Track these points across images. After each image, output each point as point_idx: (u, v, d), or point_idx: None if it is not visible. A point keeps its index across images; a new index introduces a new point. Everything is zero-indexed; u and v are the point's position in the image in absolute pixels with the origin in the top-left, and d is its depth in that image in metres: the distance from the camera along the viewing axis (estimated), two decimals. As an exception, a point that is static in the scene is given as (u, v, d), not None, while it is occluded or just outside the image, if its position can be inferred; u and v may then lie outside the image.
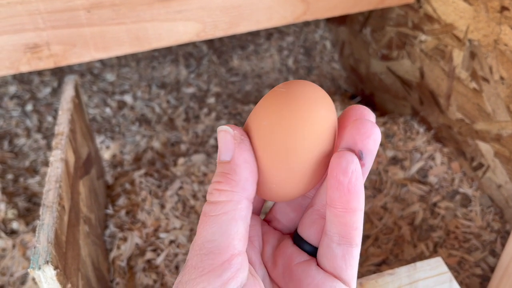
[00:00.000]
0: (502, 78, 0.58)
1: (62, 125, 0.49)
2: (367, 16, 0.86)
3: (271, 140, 0.23)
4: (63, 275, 0.36)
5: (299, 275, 0.25)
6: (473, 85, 0.63)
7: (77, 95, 0.57)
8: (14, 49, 0.53)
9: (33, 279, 0.58)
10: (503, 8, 0.55)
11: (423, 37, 0.71)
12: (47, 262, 0.34)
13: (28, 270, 0.34)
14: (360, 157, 0.22)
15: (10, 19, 0.52)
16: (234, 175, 0.22)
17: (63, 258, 0.37)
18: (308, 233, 0.26)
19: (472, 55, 0.62)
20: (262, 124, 0.23)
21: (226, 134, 0.23)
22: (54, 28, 0.54)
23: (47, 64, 0.56)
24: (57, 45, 0.55)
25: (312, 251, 0.26)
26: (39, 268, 0.34)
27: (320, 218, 0.26)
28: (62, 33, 0.54)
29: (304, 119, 0.23)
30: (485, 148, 0.63)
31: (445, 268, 0.43)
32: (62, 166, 0.43)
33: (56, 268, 0.34)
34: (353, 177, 0.22)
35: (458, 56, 0.64)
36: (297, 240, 0.27)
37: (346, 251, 0.24)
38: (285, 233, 0.28)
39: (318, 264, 0.25)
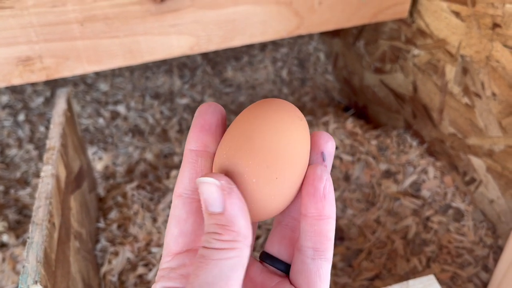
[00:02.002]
0: (494, 94, 0.58)
1: (54, 139, 0.49)
2: (360, 29, 0.86)
3: (262, 162, 0.23)
4: (52, 294, 0.35)
5: None
6: (465, 100, 0.63)
7: (69, 108, 0.56)
8: (6, 62, 0.53)
9: (23, 294, 0.57)
10: (495, 25, 0.55)
11: (416, 51, 0.71)
12: (35, 282, 0.33)
13: (16, 290, 0.33)
14: (323, 158, 0.25)
15: (3, 32, 0.51)
16: (233, 226, 0.22)
17: (52, 277, 0.37)
18: (278, 248, 0.27)
19: (464, 71, 0.62)
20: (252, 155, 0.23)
21: (211, 186, 0.22)
22: (47, 41, 0.53)
23: (39, 77, 0.55)
24: (49, 58, 0.55)
25: (285, 269, 0.26)
26: (28, 289, 0.33)
27: (291, 231, 0.27)
28: (55, 46, 0.54)
29: (291, 142, 0.24)
30: (478, 163, 0.64)
31: (437, 286, 0.43)
32: (53, 182, 0.43)
33: (45, 287, 0.34)
34: (327, 184, 0.24)
35: (451, 71, 0.65)
36: (267, 259, 0.27)
37: (320, 265, 0.25)
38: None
39: (291, 283, 0.26)
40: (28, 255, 0.35)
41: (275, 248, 0.27)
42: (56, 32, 0.53)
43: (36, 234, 0.37)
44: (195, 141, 0.25)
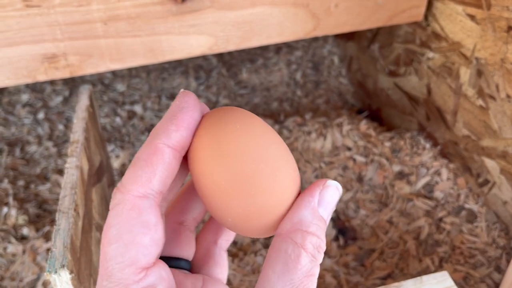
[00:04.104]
0: (508, 96, 0.58)
1: (77, 133, 0.50)
2: (375, 33, 0.87)
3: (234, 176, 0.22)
4: (77, 279, 0.37)
5: None
6: (480, 102, 0.64)
7: (91, 104, 0.58)
8: (32, 58, 0.55)
9: (43, 284, 0.59)
10: (510, 28, 0.56)
11: (430, 54, 0.72)
12: (63, 266, 0.35)
13: (45, 273, 0.35)
14: None
15: (30, 30, 0.53)
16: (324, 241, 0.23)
17: (77, 263, 0.38)
18: (184, 250, 0.27)
19: (479, 73, 0.63)
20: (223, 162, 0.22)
21: (337, 194, 0.23)
22: (72, 39, 0.55)
23: (63, 73, 0.57)
24: (74, 56, 0.56)
25: (189, 267, 0.27)
26: (55, 272, 0.34)
27: (191, 233, 0.27)
28: (79, 44, 0.56)
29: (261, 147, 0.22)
30: (491, 164, 0.64)
31: (451, 282, 0.43)
32: (77, 173, 0.44)
33: (71, 272, 0.35)
34: None
35: (465, 73, 0.65)
36: (171, 262, 0.26)
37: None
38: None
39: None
40: (55, 241, 0.37)
41: (182, 251, 0.27)
42: (81, 31, 0.55)
43: (63, 221, 0.39)
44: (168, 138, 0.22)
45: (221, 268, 0.27)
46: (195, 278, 0.26)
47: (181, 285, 0.24)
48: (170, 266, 0.24)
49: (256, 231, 0.23)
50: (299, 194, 0.23)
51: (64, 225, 0.38)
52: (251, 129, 0.22)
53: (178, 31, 0.59)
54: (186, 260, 0.27)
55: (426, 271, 0.61)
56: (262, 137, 0.22)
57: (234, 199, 0.22)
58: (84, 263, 0.41)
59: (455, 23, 0.65)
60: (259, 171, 0.21)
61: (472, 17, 0.62)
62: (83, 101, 0.56)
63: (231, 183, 0.21)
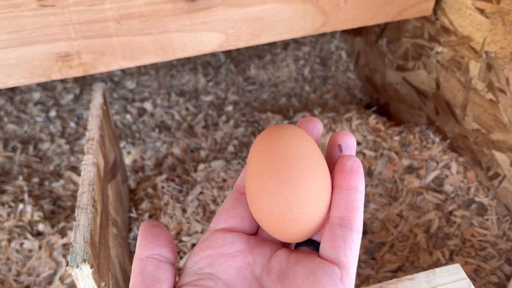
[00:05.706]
0: (518, 89, 0.59)
1: (93, 130, 0.51)
2: (383, 28, 0.87)
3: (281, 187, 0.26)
4: (97, 274, 0.38)
5: (295, 269, 0.26)
6: (490, 96, 0.64)
7: (105, 102, 0.59)
8: (47, 57, 0.56)
9: (60, 279, 0.60)
10: (520, 22, 0.56)
11: (439, 48, 0.72)
12: (84, 261, 0.36)
13: (67, 268, 0.36)
14: (340, 149, 0.28)
15: (44, 29, 0.54)
16: None
17: (97, 258, 0.39)
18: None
19: (489, 67, 0.63)
20: (268, 179, 0.26)
21: None
22: (85, 38, 0.56)
23: (77, 72, 0.58)
24: (87, 54, 0.57)
25: (317, 248, 0.28)
26: (77, 266, 0.35)
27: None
28: (92, 42, 0.57)
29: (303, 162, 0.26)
30: (501, 158, 0.64)
31: (463, 274, 0.44)
32: (94, 170, 0.45)
33: (92, 266, 0.36)
34: (355, 163, 0.26)
35: (475, 67, 0.66)
36: (303, 243, 0.28)
37: (346, 232, 0.26)
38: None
39: (319, 255, 0.27)
40: (76, 236, 0.38)
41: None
42: (94, 29, 0.56)
43: (82, 217, 0.40)
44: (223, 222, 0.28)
45: None
46: (300, 258, 0.27)
47: (278, 261, 0.28)
48: (301, 245, 0.29)
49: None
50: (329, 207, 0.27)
51: (84, 220, 0.39)
52: (298, 154, 0.26)
53: (189, 29, 0.59)
54: (316, 242, 0.28)
55: (436, 264, 0.62)
56: (310, 163, 0.26)
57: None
58: (103, 258, 0.42)
59: (465, 17, 0.66)
60: (305, 189, 0.25)
61: (481, 11, 0.62)
62: (97, 99, 0.57)
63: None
